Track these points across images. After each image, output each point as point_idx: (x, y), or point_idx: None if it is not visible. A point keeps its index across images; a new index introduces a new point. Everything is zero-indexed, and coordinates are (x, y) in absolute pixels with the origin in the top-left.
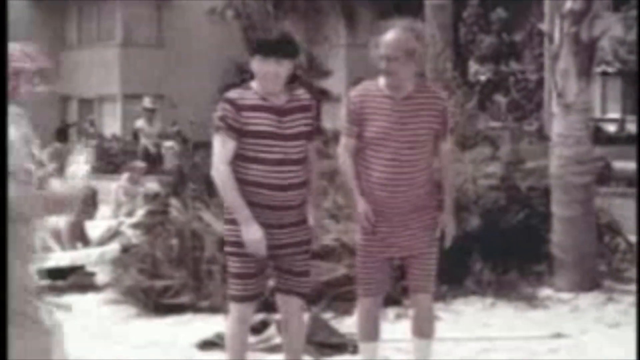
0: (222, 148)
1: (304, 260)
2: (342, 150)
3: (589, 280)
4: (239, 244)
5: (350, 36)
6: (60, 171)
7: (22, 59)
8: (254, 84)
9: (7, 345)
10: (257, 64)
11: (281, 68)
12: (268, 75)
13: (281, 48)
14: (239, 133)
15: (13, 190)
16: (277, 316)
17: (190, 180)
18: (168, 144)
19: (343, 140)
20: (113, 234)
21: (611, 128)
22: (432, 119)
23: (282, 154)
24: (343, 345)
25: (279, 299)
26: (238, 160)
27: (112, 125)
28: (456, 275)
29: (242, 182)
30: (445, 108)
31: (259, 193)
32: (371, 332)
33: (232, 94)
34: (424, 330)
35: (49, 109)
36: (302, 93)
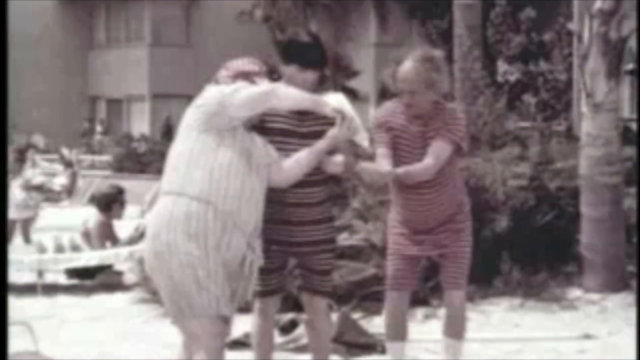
0: None
1: (326, 259)
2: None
3: (618, 281)
4: None
5: (379, 35)
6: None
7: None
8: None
9: (7, 345)
10: (292, 72)
11: (316, 76)
12: (305, 84)
13: (319, 58)
14: (256, 130)
15: None
16: (305, 316)
17: None
18: None
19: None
20: (142, 234)
21: None
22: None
23: (296, 152)
24: (372, 345)
25: (304, 297)
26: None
27: (140, 125)
28: (485, 275)
29: None
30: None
31: (274, 189)
32: (398, 332)
33: None
34: (455, 330)
35: (78, 109)
36: (325, 93)
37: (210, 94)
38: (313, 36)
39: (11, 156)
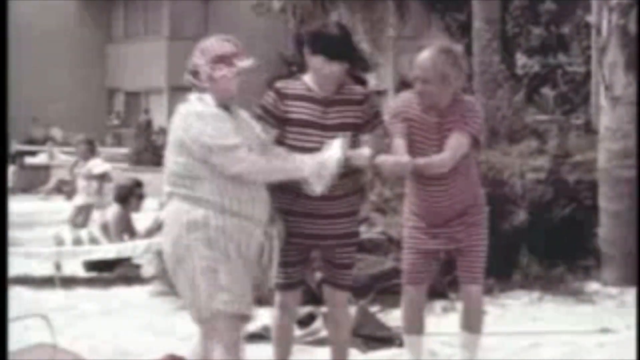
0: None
1: (348, 252)
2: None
3: (637, 275)
4: None
5: (398, 28)
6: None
7: (223, 46)
8: (306, 78)
9: (7, 344)
10: (319, 64)
11: (342, 69)
12: (331, 76)
13: (346, 51)
14: (279, 121)
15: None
16: (323, 309)
17: None
18: None
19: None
20: (160, 226)
21: None
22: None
23: (319, 143)
24: (390, 338)
25: (325, 290)
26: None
27: (159, 117)
28: (503, 269)
29: None
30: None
31: (297, 182)
32: (415, 325)
33: (280, 83)
34: (472, 324)
35: (96, 102)
36: (356, 87)
37: (191, 131)
38: (342, 28)
39: (81, 147)
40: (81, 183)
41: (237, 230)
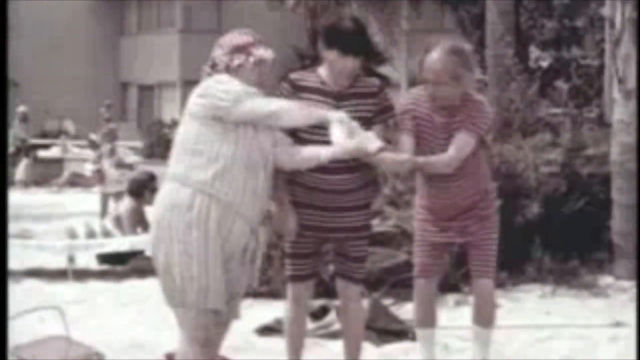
0: None
1: (359, 246)
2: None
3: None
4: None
5: (412, 21)
6: (112, 153)
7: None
8: (321, 70)
9: (7, 344)
10: (333, 58)
11: (357, 63)
12: (345, 70)
13: (361, 46)
14: None
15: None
16: (337, 302)
17: None
18: None
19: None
20: None
21: None
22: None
23: (327, 143)
24: (403, 331)
25: (338, 283)
26: (293, 140)
27: (171, 111)
28: (516, 262)
29: None
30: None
31: (308, 175)
32: (427, 318)
33: (294, 75)
34: (484, 317)
35: (108, 95)
36: (370, 80)
37: (211, 89)
38: (357, 23)
39: (103, 138)
40: (113, 172)
41: (220, 216)
